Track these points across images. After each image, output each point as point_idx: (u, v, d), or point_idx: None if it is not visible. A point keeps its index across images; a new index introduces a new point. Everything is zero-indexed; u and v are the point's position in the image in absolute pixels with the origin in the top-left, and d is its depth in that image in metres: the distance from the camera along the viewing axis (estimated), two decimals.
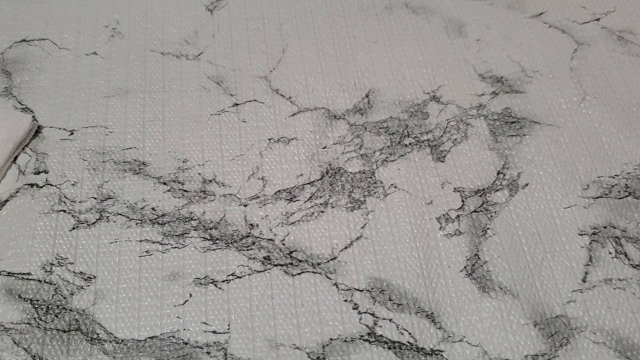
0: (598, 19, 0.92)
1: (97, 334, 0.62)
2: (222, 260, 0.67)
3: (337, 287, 0.66)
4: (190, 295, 0.65)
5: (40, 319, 0.63)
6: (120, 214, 0.70)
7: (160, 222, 0.70)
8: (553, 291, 0.66)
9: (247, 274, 0.67)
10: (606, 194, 0.74)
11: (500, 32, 0.90)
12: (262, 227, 0.70)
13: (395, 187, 0.74)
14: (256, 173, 0.74)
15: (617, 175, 0.75)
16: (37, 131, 0.77)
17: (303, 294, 0.65)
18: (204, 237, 0.69)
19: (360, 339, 0.63)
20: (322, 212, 0.71)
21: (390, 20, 0.91)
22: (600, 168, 0.76)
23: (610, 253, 0.69)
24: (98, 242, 0.68)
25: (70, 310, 0.64)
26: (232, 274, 0.67)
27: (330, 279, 0.67)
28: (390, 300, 0.65)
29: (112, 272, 0.66)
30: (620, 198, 0.73)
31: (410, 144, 0.78)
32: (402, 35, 0.89)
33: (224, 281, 0.66)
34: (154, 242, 0.68)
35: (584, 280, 0.67)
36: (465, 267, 0.68)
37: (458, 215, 0.71)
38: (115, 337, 0.62)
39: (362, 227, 0.70)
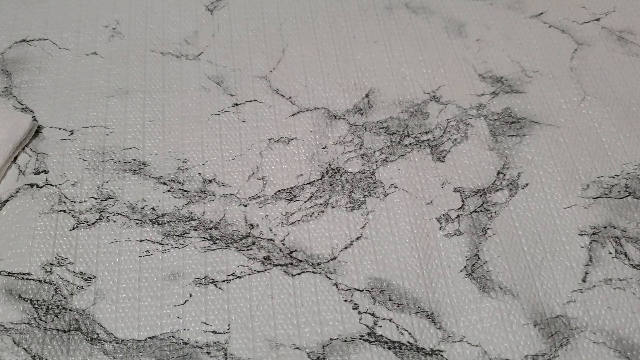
0: (598, 19, 0.92)
1: (97, 334, 0.62)
2: (222, 260, 0.67)
3: (337, 287, 0.66)
4: (190, 295, 0.65)
5: (40, 319, 0.63)
6: (120, 214, 0.70)
7: (160, 222, 0.70)
8: (553, 291, 0.66)
9: (247, 274, 0.67)
10: (606, 194, 0.74)
11: (500, 32, 0.90)
12: (262, 227, 0.70)
13: (395, 187, 0.74)
14: (256, 173, 0.74)
15: (617, 175, 0.75)
16: (37, 131, 0.77)
17: (303, 294, 0.65)
18: (204, 237, 0.69)
19: (360, 339, 0.63)
20: (322, 212, 0.71)
21: (390, 20, 0.91)
22: (600, 168, 0.76)
23: (610, 253, 0.69)
24: (98, 242, 0.68)
25: (70, 310, 0.64)
26: (232, 274, 0.67)
27: (330, 279, 0.67)
28: (390, 300, 0.65)
29: (112, 272, 0.66)
30: (620, 198, 0.73)
31: (410, 144, 0.78)
32: (402, 35, 0.89)
33: (224, 281, 0.66)
34: (154, 242, 0.68)
35: (584, 280, 0.67)
36: (465, 267, 0.68)
37: (458, 215, 0.71)
38: (115, 337, 0.62)
39: (362, 227, 0.70)
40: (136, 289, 0.65)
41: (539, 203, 0.73)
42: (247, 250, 0.68)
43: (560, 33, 0.91)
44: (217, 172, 0.74)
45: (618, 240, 0.70)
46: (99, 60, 0.85)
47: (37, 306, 0.64)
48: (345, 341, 0.63)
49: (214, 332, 0.63)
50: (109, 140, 0.76)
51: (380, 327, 0.64)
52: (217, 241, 0.69)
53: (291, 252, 0.68)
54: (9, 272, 0.66)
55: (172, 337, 0.62)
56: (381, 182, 0.74)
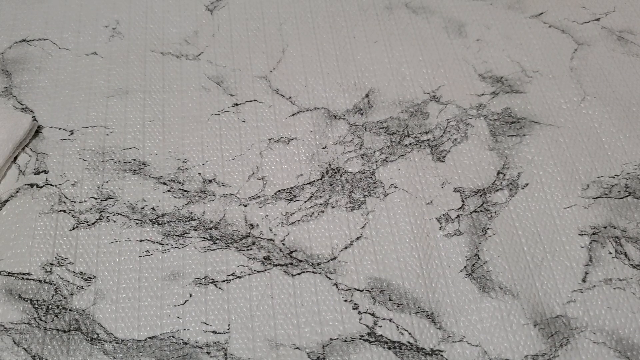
0: (598, 19, 0.92)
1: (97, 334, 0.62)
2: (222, 260, 0.67)
3: (337, 287, 0.66)
4: (190, 295, 0.65)
5: (40, 319, 0.63)
6: (120, 214, 0.70)
7: (160, 222, 0.70)
8: (553, 291, 0.66)
9: (247, 274, 0.67)
10: (606, 194, 0.74)
11: (500, 32, 0.90)
12: (262, 227, 0.70)
13: (395, 187, 0.74)
14: (256, 173, 0.74)
15: (617, 175, 0.75)
16: (37, 131, 0.77)
17: (303, 294, 0.65)
18: (204, 237, 0.69)
19: (360, 339, 0.63)
20: (322, 212, 0.71)
21: (390, 20, 0.91)
22: (600, 168, 0.76)
23: (610, 253, 0.69)
24: (98, 242, 0.68)
25: (70, 310, 0.64)
26: (232, 274, 0.67)
27: (330, 279, 0.67)
28: (390, 300, 0.65)
29: (112, 272, 0.66)
30: (620, 198, 0.73)
31: (410, 144, 0.78)
32: (402, 35, 0.89)
33: (224, 281, 0.66)
34: (154, 242, 0.68)
35: (584, 280, 0.67)
36: (465, 267, 0.68)
37: (458, 215, 0.71)
38: (115, 337, 0.62)
39: (362, 227, 0.70)
40: (136, 289, 0.65)
41: (539, 203, 0.73)
42: (247, 250, 0.68)
43: (560, 33, 0.91)
44: (217, 172, 0.74)
45: (618, 240, 0.70)
46: (99, 60, 0.85)
47: (37, 306, 0.64)
48: (345, 341, 0.63)
49: (214, 332, 0.63)
50: (109, 140, 0.76)
51: (380, 327, 0.64)
52: (217, 241, 0.69)
53: (291, 252, 0.68)
54: (9, 272, 0.66)
55: (172, 337, 0.62)
56: (381, 182, 0.74)
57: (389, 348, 0.62)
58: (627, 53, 0.88)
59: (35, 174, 0.73)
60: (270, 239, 0.69)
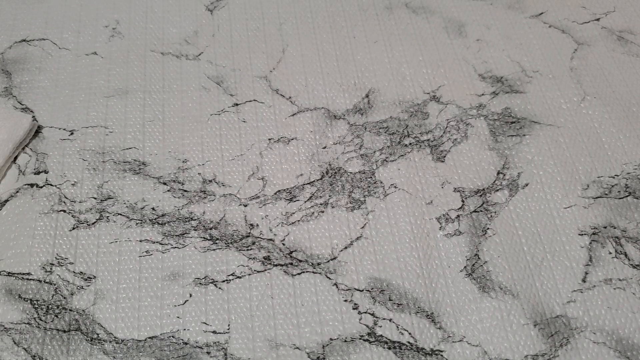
0: (598, 19, 0.92)
1: (97, 334, 0.62)
2: (222, 260, 0.67)
3: (337, 287, 0.66)
4: (190, 295, 0.65)
5: (40, 319, 0.63)
6: (120, 214, 0.70)
7: (160, 222, 0.70)
8: (553, 291, 0.66)
9: (247, 274, 0.67)
10: (606, 194, 0.74)
11: (500, 32, 0.90)
12: (262, 227, 0.70)
13: (395, 187, 0.74)
14: (256, 173, 0.74)
15: (617, 175, 0.75)
16: (37, 131, 0.77)
17: (303, 294, 0.65)
18: (204, 237, 0.69)
19: (360, 339, 0.63)
20: (322, 212, 0.71)
21: (390, 20, 0.91)
22: (600, 168, 0.76)
23: (610, 253, 0.69)
24: (98, 242, 0.68)
25: (70, 310, 0.64)
26: (232, 274, 0.67)
27: (330, 279, 0.67)
28: (390, 300, 0.65)
29: (112, 272, 0.66)
30: (620, 198, 0.73)
31: (410, 144, 0.78)
32: (402, 35, 0.89)
33: (224, 281, 0.66)
34: (154, 242, 0.68)
35: (584, 280, 0.67)
36: (465, 267, 0.68)
37: (458, 215, 0.71)
38: (115, 337, 0.62)
39: (362, 227, 0.70)
40: (136, 289, 0.65)
41: (539, 203, 0.73)
42: (247, 250, 0.68)
43: (560, 33, 0.91)
44: (217, 172, 0.74)
45: (618, 240, 0.70)
46: (99, 60, 0.85)
47: (37, 306, 0.64)
48: (345, 341, 0.63)
49: (214, 332, 0.63)
50: (109, 140, 0.77)
51: (380, 327, 0.64)
52: (217, 241, 0.69)
53: (291, 252, 0.68)
54: (9, 272, 0.66)
55: (172, 337, 0.62)
56: (381, 182, 0.74)
57: (389, 348, 0.62)
58: (627, 53, 0.88)
59: (35, 174, 0.73)
60: (270, 239, 0.69)
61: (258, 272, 0.67)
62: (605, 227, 0.71)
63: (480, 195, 0.73)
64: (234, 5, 0.92)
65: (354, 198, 0.73)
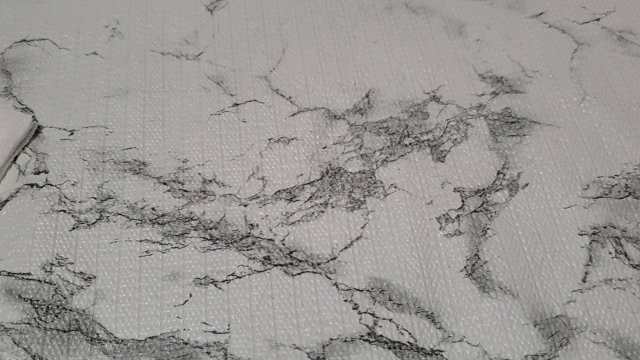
0: (598, 19, 0.92)
1: (97, 334, 0.62)
2: (222, 260, 0.67)
3: (337, 287, 0.66)
4: (190, 295, 0.65)
5: (40, 319, 0.63)
6: (120, 214, 0.70)
7: (160, 222, 0.70)
8: (553, 291, 0.66)
9: (247, 274, 0.67)
10: (606, 194, 0.74)
11: (500, 32, 0.90)
12: (262, 227, 0.70)
13: (395, 187, 0.74)
14: (256, 173, 0.74)
15: (617, 175, 0.75)
16: (37, 131, 0.77)
17: (303, 294, 0.65)
18: (204, 237, 0.69)
19: (360, 339, 0.63)
20: (322, 212, 0.71)
21: (390, 20, 0.91)
22: (600, 168, 0.76)
23: (610, 253, 0.69)
24: (98, 242, 0.68)
25: (70, 310, 0.64)
26: (232, 274, 0.67)
27: (330, 279, 0.67)
28: (390, 300, 0.65)
29: (112, 272, 0.66)
30: (620, 198, 0.73)
31: (410, 144, 0.78)
32: (402, 35, 0.89)
33: (224, 281, 0.66)
34: (154, 242, 0.68)
35: (584, 280, 0.67)
36: (465, 267, 0.68)
37: (458, 215, 0.71)
38: (115, 337, 0.62)
39: (362, 227, 0.70)
40: (136, 289, 0.65)
41: (539, 203, 0.73)
42: (247, 250, 0.68)
43: (560, 33, 0.91)
44: (217, 172, 0.74)
45: (618, 240, 0.70)
46: (99, 60, 0.85)
47: (37, 306, 0.64)
48: (345, 341, 0.63)
49: (214, 332, 0.63)
50: (109, 140, 0.77)
51: (380, 327, 0.64)
52: (217, 241, 0.69)
53: (291, 252, 0.68)
54: (9, 272, 0.66)
55: (172, 337, 0.62)
56: (381, 182, 0.74)
57: (389, 348, 0.62)
58: (627, 53, 0.88)
59: (35, 174, 0.73)
60: (270, 239, 0.69)
61: (258, 272, 0.67)
62: (605, 227, 0.71)
63: (480, 195, 0.73)
64: (234, 5, 0.92)
65: (354, 198, 0.73)
